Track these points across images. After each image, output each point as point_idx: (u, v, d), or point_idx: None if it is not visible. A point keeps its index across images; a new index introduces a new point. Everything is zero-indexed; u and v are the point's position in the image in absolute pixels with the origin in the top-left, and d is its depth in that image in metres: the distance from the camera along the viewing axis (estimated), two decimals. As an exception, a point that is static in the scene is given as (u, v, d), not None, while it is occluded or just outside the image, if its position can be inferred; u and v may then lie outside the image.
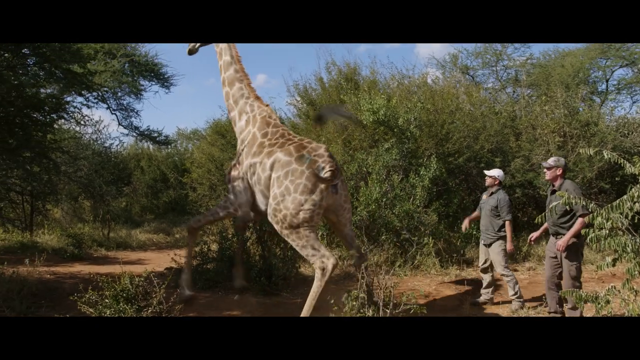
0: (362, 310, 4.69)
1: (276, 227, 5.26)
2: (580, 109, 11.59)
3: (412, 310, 4.52)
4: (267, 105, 6.29)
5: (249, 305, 6.58)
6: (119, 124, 19.53)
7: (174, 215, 19.62)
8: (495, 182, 6.73)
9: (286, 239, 5.27)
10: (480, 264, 6.88)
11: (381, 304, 4.66)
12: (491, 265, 6.71)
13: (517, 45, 16.04)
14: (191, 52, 6.51)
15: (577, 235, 5.24)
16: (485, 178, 6.92)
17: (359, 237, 9.09)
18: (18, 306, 5.95)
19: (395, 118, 9.26)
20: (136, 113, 19.94)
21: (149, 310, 3.86)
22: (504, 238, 6.51)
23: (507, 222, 6.47)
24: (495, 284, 6.92)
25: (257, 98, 6.35)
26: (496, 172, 6.82)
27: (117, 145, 16.58)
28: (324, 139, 10.36)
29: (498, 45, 16.03)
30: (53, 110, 7.31)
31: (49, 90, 8.25)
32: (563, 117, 10.62)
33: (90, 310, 3.84)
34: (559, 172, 5.51)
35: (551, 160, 5.59)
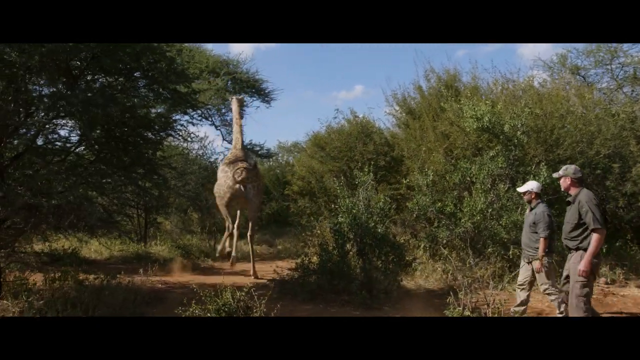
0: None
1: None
2: None
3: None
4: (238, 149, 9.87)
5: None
6: (223, 139, 20.47)
7: (277, 226, 20.07)
8: (532, 197, 6.20)
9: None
10: (518, 281, 6.39)
11: (490, 322, 4.37)
12: (530, 284, 6.25)
13: (634, 41, 14.78)
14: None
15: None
16: (523, 195, 6.41)
17: (464, 250, 8.76)
18: (132, 313, 6.27)
19: (501, 124, 8.82)
20: (240, 128, 20.79)
21: None
22: (547, 254, 6.01)
23: (542, 239, 5.93)
24: (527, 304, 6.39)
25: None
26: (529, 186, 6.28)
27: (221, 160, 17.27)
28: (424, 148, 10.10)
29: (612, 42, 14.87)
30: (162, 128, 7.70)
31: (158, 110, 8.71)
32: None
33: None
34: (568, 181, 5.16)
35: (561, 171, 5.28)
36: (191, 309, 4.02)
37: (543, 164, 8.67)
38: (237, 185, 8.97)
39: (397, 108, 13.64)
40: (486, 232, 8.18)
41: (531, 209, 6.23)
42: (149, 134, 7.55)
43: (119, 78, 6.92)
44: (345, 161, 11.91)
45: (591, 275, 4.96)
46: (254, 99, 20.32)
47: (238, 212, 10.52)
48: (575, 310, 4.77)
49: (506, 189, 8.79)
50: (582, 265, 4.89)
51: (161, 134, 7.68)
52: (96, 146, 7.29)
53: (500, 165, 8.67)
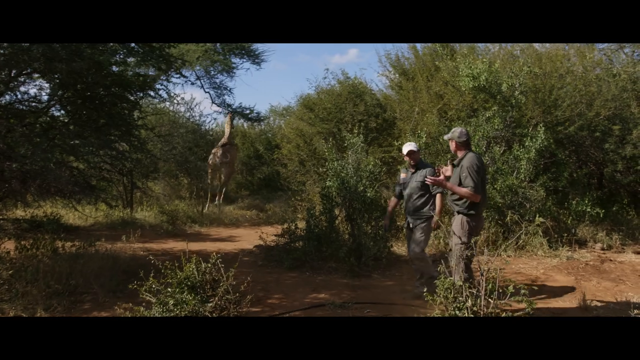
0: (459, 299, 4.12)
1: None
2: None
3: (522, 302, 3.88)
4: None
5: (336, 287, 6.20)
6: (212, 102, 19.94)
7: (268, 191, 19.75)
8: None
9: None
10: None
11: (483, 292, 4.06)
12: None
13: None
14: None
15: (469, 212, 4.89)
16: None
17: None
18: (108, 283, 5.96)
19: (498, 84, 8.39)
20: (229, 91, 20.23)
21: (214, 303, 3.54)
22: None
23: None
24: None
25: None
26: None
27: (209, 123, 16.76)
28: (418, 109, 9.69)
29: None
30: (140, 88, 7.25)
31: (139, 71, 8.25)
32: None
33: (152, 299, 3.58)
34: (453, 144, 5.07)
35: (449, 133, 5.14)
36: (149, 283, 3.67)
37: (541, 125, 8.29)
38: (212, 162, 13.39)
39: (391, 69, 13.15)
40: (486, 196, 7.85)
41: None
42: (125, 93, 7.11)
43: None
44: (335, 123, 11.41)
45: (472, 236, 4.84)
46: (244, 60, 19.73)
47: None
48: (455, 272, 4.57)
49: (501, 151, 8.45)
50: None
51: (138, 93, 7.22)
52: (68, 107, 6.86)
53: (496, 127, 8.29)
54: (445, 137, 5.25)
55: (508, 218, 7.81)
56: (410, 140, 8.84)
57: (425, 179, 5.22)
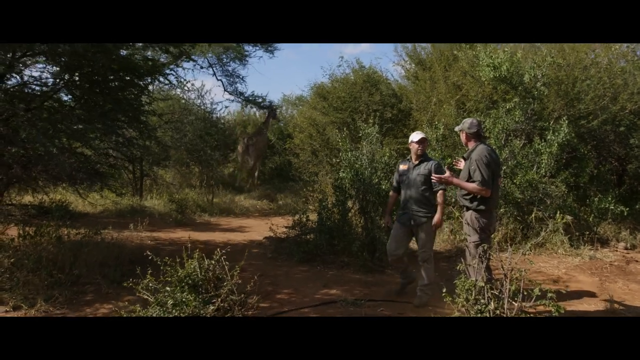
0: (481, 302, 3.86)
1: None
2: None
3: (549, 305, 3.61)
4: None
5: (348, 282, 5.96)
6: (224, 90, 19.69)
7: (279, 181, 19.53)
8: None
9: None
10: None
11: (507, 294, 3.80)
12: None
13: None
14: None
15: (479, 207, 4.61)
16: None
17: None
18: (112, 274, 5.78)
19: (520, 74, 8.05)
20: (242, 79, 19.96)
21: (217, 304, 3.27)
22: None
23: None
24: None
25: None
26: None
27: (219, 110, 16.47)
28: (435, 99, 9.37)
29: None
30: (148, 72, 7.02)
31: (149, 55, 8.02)
32: None
33: (150, 298, 3.32)
34: (464, 136, 4.83)
35: (460, 125, 4.89)
36: (146, 281, 3.41)
37: (564, 118, 7.95)
38: (241, 149, 15.62)
39: (407, 59, 12.81)
40: (499, 191, 7.54)
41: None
42: (133, 78, 6.88)
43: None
44: (349, 112, 11.08)
45: (485, 233, 4.63)
46: (257, 48, 19.44)
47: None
48: (476, 272, 4.32)
49: (521, 145, 8.12)
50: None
51: (147, 78, 6.99)
52: (75, 91, 6.65)
53: (516, 119, 7.96)
54: (456, 128, 4.98)
55: (533, 215, 7.48)
56: (426, 132, 8.57)
57: (432, 177, 4.90)
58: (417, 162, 5.25)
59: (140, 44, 6.26)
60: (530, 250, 7.41)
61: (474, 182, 4.55)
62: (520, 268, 4.02)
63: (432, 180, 4.92)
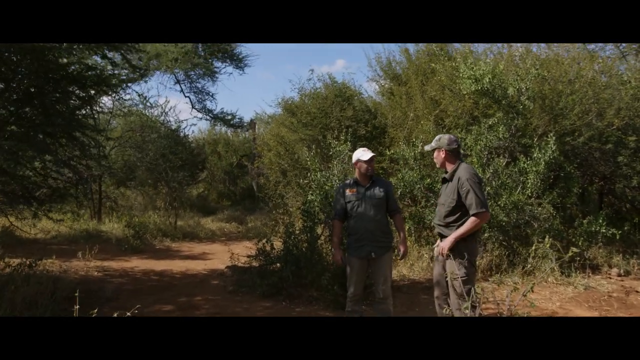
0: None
1: None
2: None
3: None
4: None
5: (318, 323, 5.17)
6: (192, 107, 18.94)
7: (250, 202, 18.78)
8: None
9: None
10: None
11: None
12: None
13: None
14: None
15: (467, 237, 3.93)
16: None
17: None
18: (41, 315, 4.90)
19: (503, 87, 7.45)
20: (211, 96, 19.29)
21: None
22: None
23: None
24: None
25: None
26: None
27: (184, 128, 15.60)
28: (412, 114, 8.73)
29: None
30: (95, 84, 6.23)
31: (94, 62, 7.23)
32: None
33: None
34: (442, 154, 4.13)
35: (433, 142, 4.21)
36: None
37: (552, 134, 7.36)
38: None
39: (381, 74, 12.21)
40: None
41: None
42: (75, 89, 6.09)
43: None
44: (320, 129, 10.31)
45: (472, 266, 3.99)
46: (226, 64, 18.83)
47: None
48: (459, 313, 3.79)
49: (504, 163, 7.50)
50: (445, 242, 3.99)
51: (90, 90, 6.19)
52: (6, 104, 5.81)
53: (500, 136, 7.34)
54: (427, 147, 4.27)
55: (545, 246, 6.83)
56: (403, 150, 7.90)
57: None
58: (367, 184, 4.48)
59: (78, 47, 5.41)
60: (517, 279, 6.77)
61: (463, 205, 3.87)
62: (511, 299, 3.34)
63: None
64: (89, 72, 6.16)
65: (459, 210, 3.96)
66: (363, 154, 4.45)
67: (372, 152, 4.53)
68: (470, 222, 3.86)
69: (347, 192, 4.50)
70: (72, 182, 6.64)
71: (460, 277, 3.88)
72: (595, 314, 5.47)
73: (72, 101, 6.16)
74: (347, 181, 4.66)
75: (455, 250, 3.93)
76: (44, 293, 5.51)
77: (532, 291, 3.30)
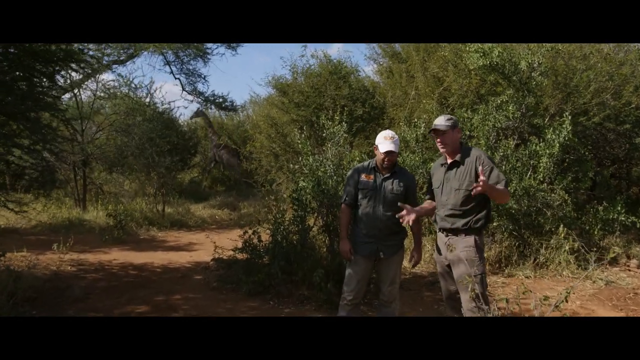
0: None
1: None
2: None
3: None
4: None
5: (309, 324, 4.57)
6: (183, 89, 18.20)
7: (245, 187, 18.21)
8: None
9: None
10: None
11: None
12: None
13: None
14: None
15: (478, 225, 3.45)
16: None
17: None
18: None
19: (514, 62, 6.77)
20: (203, 78, 18.54)
21: None
22: None
23: None
24: None
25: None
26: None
27: (172, 110, 14.80)
28: (413, 92, 8.06)
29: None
30: (61, 60, 5.55)
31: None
32: None
33: None
34: (459, 134, 3.56)
35: (445, 120, 3.52)
36: None
37: (567, 113, 6.71)
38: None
39: (379, 51, 11.51)
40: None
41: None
42: (37, 65, 5.41)
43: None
44: (313, 109, 9.59)
45: (482, 263, 3.47)
46: (217, 45, 18.05)
47: None
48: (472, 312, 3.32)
49: (513, 145, 6.86)
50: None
51: (54, 66, 5.51)
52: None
53: (510, 116, 6.69)
54: (442, 126, 3.48)
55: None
56: (404, 131, 7.27)
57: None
58: (386, 174, 3.78)
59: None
60: (529, 272, 6.19)
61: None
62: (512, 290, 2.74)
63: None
64: (54, 47, 5.50)
65: (477, 197, 3.35)
66: (383, 142, 3.67)
67: (391, 143, 3.66)
68: (506, 190, 3.39)
69: (363, 177, 3.80)
70: (36, 168, 5.94)
71: (480, 275, 3.38)
72: (622, 314, 4.86)
73: (36, 79, 5.48)
74: (366, 163, 3.91)
75: (475, 245, 3.42)
76: (3, 293, 4.91)
77: (567, 301, 2.68)
